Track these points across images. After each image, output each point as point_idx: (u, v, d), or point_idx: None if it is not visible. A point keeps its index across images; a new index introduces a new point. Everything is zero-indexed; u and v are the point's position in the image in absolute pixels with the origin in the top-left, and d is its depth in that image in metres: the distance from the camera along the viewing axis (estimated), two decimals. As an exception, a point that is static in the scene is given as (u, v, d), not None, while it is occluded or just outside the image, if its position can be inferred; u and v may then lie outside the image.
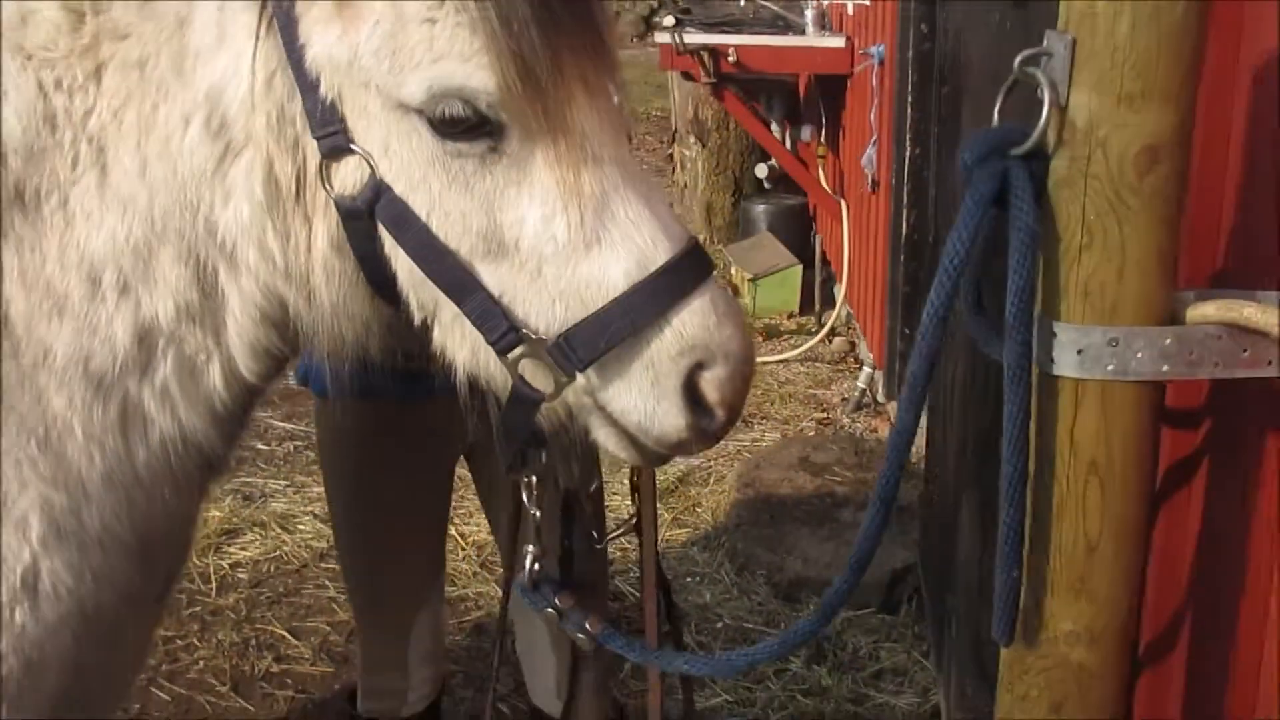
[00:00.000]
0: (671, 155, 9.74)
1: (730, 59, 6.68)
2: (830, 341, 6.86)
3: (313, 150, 1.50)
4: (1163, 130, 1.33)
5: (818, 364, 6.64)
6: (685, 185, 9.28)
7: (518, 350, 1.50)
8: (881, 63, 5.56)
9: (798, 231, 7.97)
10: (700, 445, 1.58)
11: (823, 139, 7.47)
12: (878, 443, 5.15)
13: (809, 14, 7.32)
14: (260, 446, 5.48)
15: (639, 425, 1.54)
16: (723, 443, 5.64)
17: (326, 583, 4.38)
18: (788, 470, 4.79)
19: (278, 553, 4.58)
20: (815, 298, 7.41)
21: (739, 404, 1.56)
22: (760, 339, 7.05)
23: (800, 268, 7.48)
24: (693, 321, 1.49)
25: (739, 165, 8.85)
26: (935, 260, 1.74)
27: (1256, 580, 1.54)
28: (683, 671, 1.93)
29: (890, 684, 3.71)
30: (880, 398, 5.79)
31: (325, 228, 1.53)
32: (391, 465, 2.49)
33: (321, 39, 1.47)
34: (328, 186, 1.50)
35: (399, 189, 1.49)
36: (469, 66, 1.43)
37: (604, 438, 1.61)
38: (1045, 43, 1.39)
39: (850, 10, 6.88)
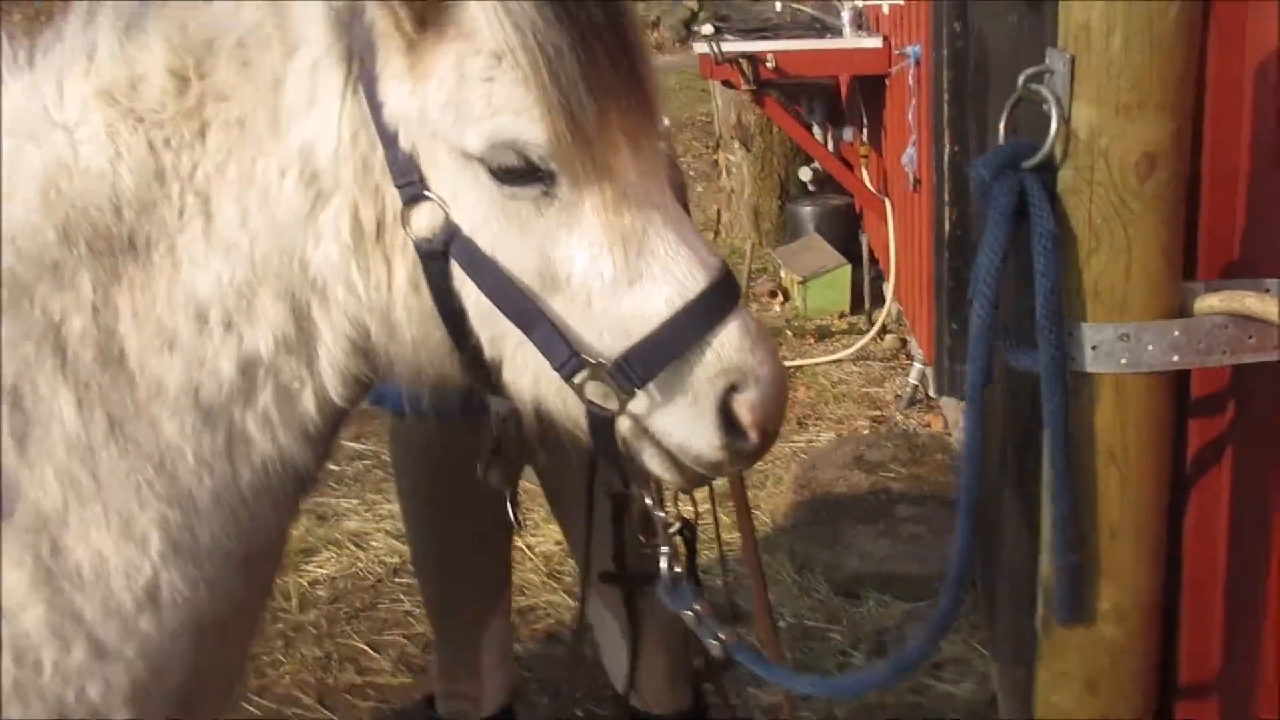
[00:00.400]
0: (716, 161, 9.84)
1: (769, 65, 6.77)
2: (882, 339, 6.93)
3: (392, 196, 1.64)
4: (1160, 137, 1.42)
5: (870, 362, 6.71)
6: (732, 190, 9.38)
7: (581, 374, 1.62)
8: (918, 62, 5.63)
9: (845, 231, 8.04)
10: (736, 466, 1.68)
11: (864, 139, 7.54)
12: (930, 438, 5.23)
13: (845, 15, 7.38)
14: (331, 467, 5.65)
15: (679, 446, 1.64)
16: (779, 445, 5.74)
17: (402, 597, 4.53)
18: (843, 469, 4.87)
19: (354, 569, 4.74)
20: (865, 296, 7.48)
21: (773, 427, 1.66)
22: (812, 340, 7.13)
23: (849, 267, 7.55)
24: (728, 345, 1.60)
25: (784, 168, 8.93)
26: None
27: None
28: (802, 691, 2.00)
29: (950, 674, 3.79)
30: (931, 393, 5.85)
31: (404, 266, 1.67)
32: (460, 479, 2.62)
33: (396, 95, 1.61)
34: (407, 229, 1.64)
35: (466, 230, 1.63)
36: (522, 120, 1.56)
37: (650, 460, 1.70)
38: (1047, 60, 1.49)
39: (886, 10, 6.94)
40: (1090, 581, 1.57)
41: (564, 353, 1.62)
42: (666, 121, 1.79)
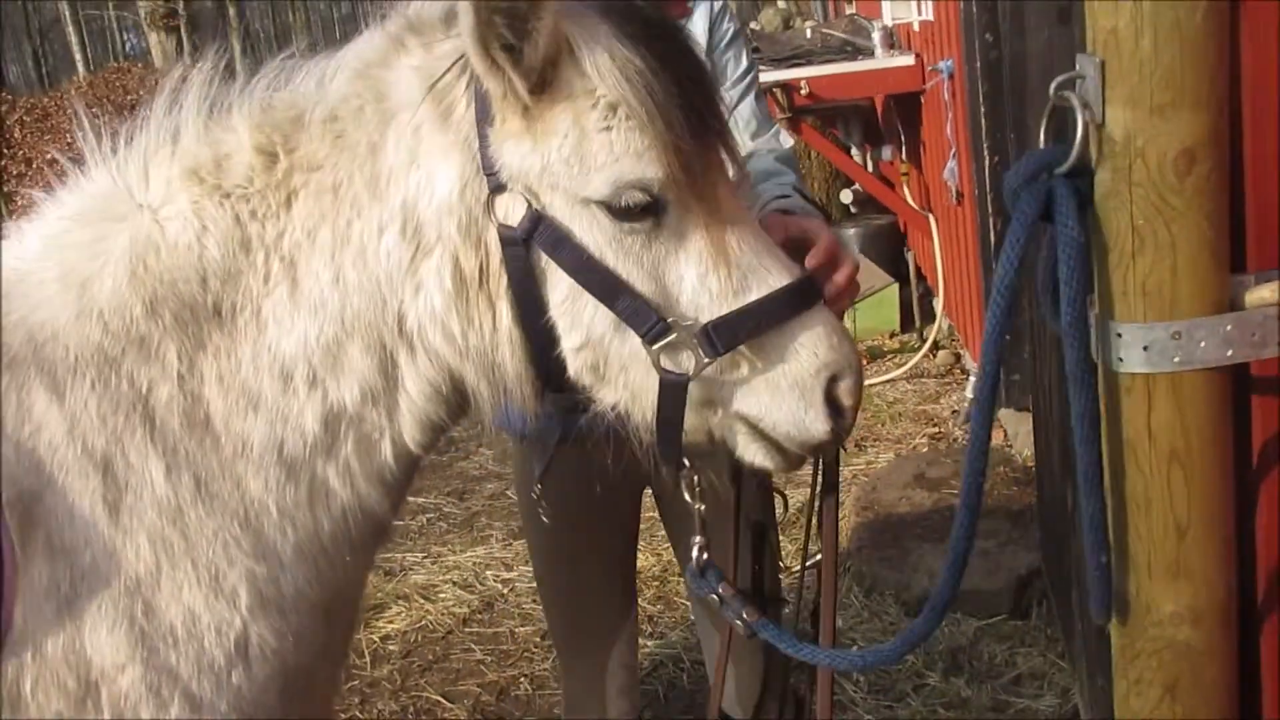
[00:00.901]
0: (757, 191, 9.86)
1: (803, 92, 6.81)
2: (934, 356, 6.88)
3: (495, 245, 1.75)
4: (1197, 133, 1.42)
5: (924, 379, 6.67)
6: (774, 218, 9.38)
7: (664, 340, 1.76)
8: (951, 76, 5.63)
9: (890, 250, 8.02)
10: (834, 445, 1.90)
11: (904, 156, 7.53)
12: (991, 451, 5.17)
13: (876, 35, 7.40)
14: (395, 522, 5.69)
15: (788, 434, 1.82)
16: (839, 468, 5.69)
17: (473, 646, 4.55)
18: (904, 489, 4.84)
19: (423, 622, 4.77)
20: (914, 314, 7.44)
21: (859, 405, 1.89)
22: (865, 361, 7.11)
23: (896, 286, 7.53)
24: (826, 343, 1.80)
25: (825, 193, 8.93)
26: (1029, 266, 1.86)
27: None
28: (820, 664, 2.14)
29: (1030, 689, 3.74)
30: (991, 406, 5.79)
31: (507, 307, 1.77)
32: (583, 502, 2.63)
33: (514, 152, 1.73)
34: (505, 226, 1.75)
35: (580, 269, 1.76)
36: (643, 162, 1.72)
37: (749, 449, 1.86)
38: (1077, 66, 1.49)
39: (916, 27, 6.95)
40: (1162, 584, 1.55)
41: (651, 318, 1.74)
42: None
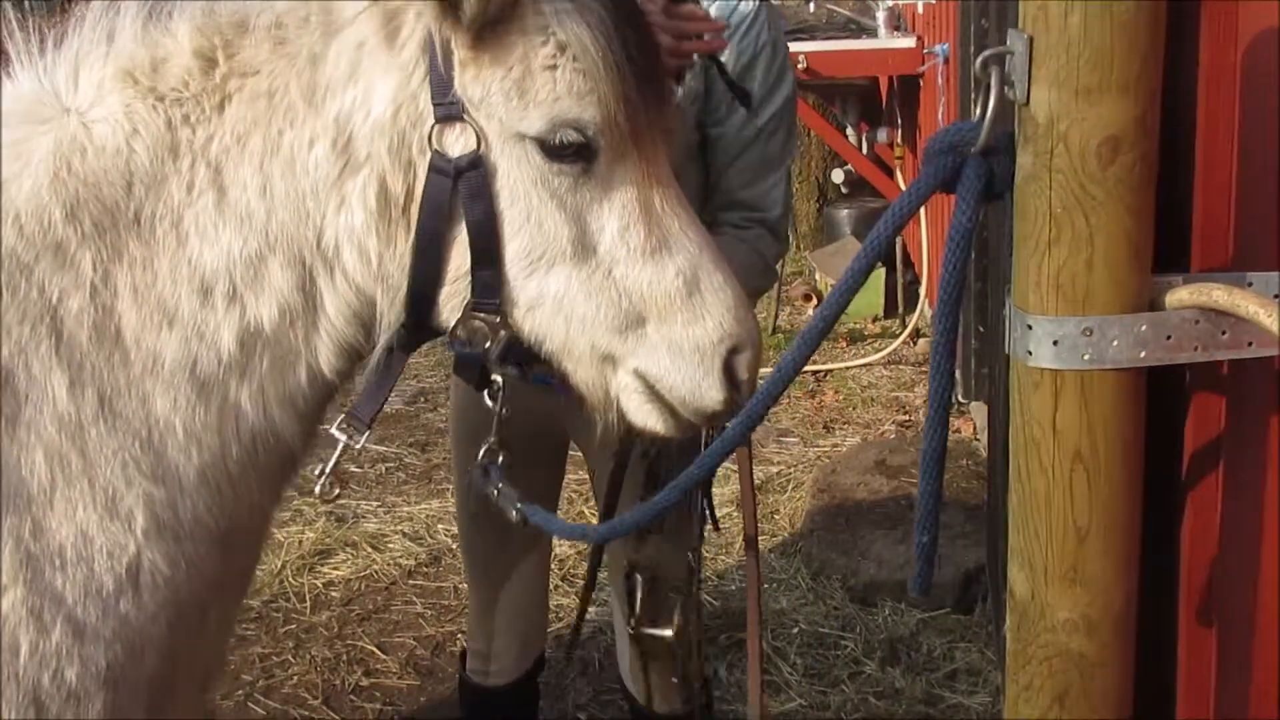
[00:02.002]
0: (754, 164, 9.77)
1: (801, 67, 6.69)
2: (914, 343, 6.83)
3: (423, 171, 1.74)
4: (1123, 121, 1.35)
5: (902, 366, 6.62)
6: (768, 194, 9.30)
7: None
8: (946, 60, 5.54)
9: (881, 234, 7.91)
10: (727, 418, 1.86)
11: (900, 140, 7.44)
12: (957, 443, 5.12)
13: (881, 16, 7.30)
14: (353, 469, 5.65)
15: (683, 399, 1.83)
16: (802, 449, 5.67)
17: (415, 599, 4.51)
18: (864, 474, 4.79)
19: (368, 571, 4.73)
20: (899, 300, 7.37)
21: (755, 381, 1.88)
22: (844, 344, 7.05)
23: (883, 271, 7.45)
24: (732, 315, 1.82)
25: (821, 172, 8.85)
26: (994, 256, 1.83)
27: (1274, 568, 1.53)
28: (575, 538, 2.16)
29: (964, 684, 3.70)
30: (960, 398, 5.74)
31: (415, 237, 1.76)
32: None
33: (459, 80, 1.73)
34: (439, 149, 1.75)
35: (503, 203, 1.77)
36: (583, 104, 1.73)
37: (642, 410, 1.87)
38: (1008, 41, 1.42)
39: (920, 9, 6.85)
40: (1057, 589, 1.50)
41: (494, 298, 1.78)
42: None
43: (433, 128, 1.73)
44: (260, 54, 1.75)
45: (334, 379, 1.85)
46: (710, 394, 1.83)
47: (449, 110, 1.74)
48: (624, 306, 1.79)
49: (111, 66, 1.75)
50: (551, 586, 4.43)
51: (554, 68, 1.73)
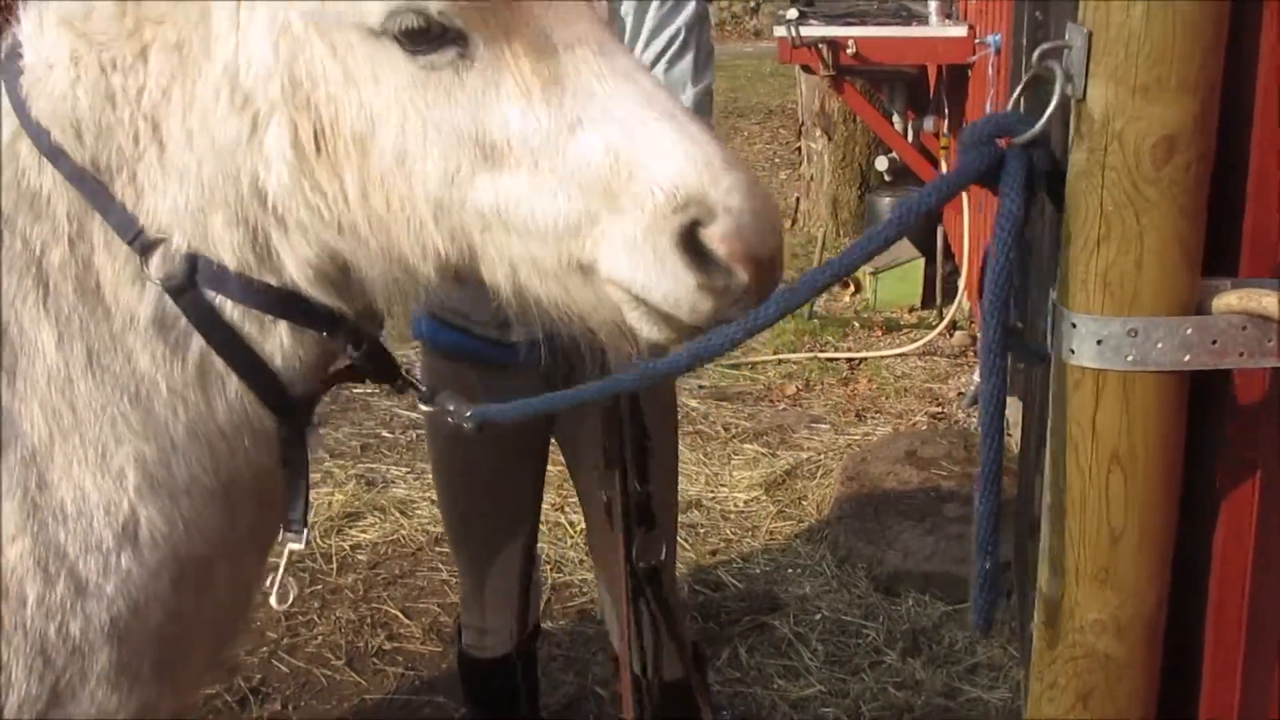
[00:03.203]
0: (799, 149, 9.72)
1: (849, 51, 6.64)
2: (950, 335, 6.78)
3: (324, 104, 1.58)
4: (1181, 119, 1.33)
5: (937, 358, 6.57)
6: (811, 178, 9.25)
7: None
8: (998, 51, 5.48)
9: (923, 224, 7.85)
10: (733, 307, 1.51)
11: (946, 129, 7.37)
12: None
13: (933, 3, 7.21)
14: (385, 434, 5.69)
15: (661, 299, 1.51)
16: (832, 435, 5.64)
17: (440, 565, 4.53)
18: (894, 464, 4.77)
19: (395, 536, 4.76)
20: (937, 291, 7.32)
21: (767, 253, 1.50)
22: (880, 333, 7.01)
23: (922, 261, 7.39)
24: (685, 175, 1.46)
25: (865, 158, 8.78)
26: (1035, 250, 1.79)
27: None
28: (536, 410, 1.96)
29: (985, 679, 3.69)
30: (995, 392, 5.70)
31: (352, 173, 1.60)
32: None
33: None
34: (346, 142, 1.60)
35: (394, 119, 1.56)
36: None
37: (638, 322, 1.58)
38: (1066, 35, 1.40)
39: (974, -1, 6.77)
40: (1088, 590, 1.49)
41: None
42: None
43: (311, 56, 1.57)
44: (162, 3, 1.65)
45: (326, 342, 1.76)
46: (679, 287, 1.48)
47: (300, 39, 1.56)
48: (568, 204, 1.50)
49: (55, 14, 1.71)
50: (577, 560, 4.48)
51: None
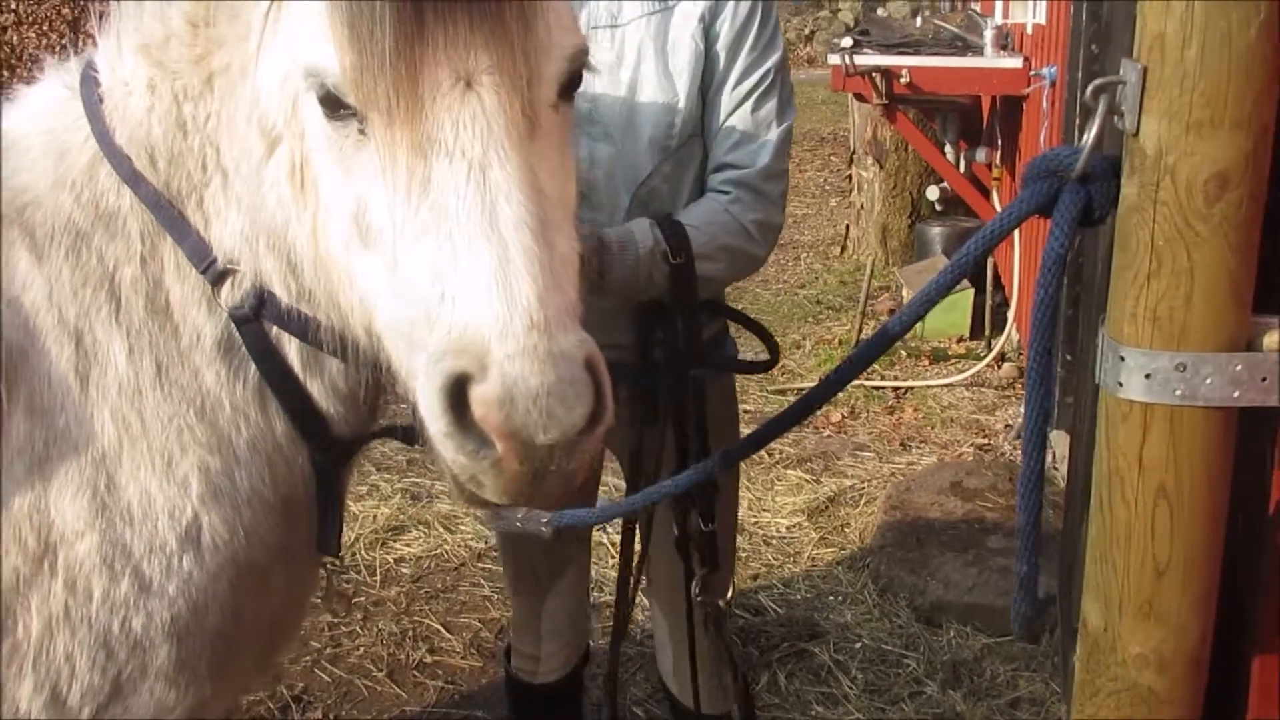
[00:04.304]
0: (850, 176, 9.72)
1: (903, 80, 6.65)
2: (999, 366, 6.74)
3: (303, 140, 1.57)
4: (1233, 156, 1.34)
5: (984, 389, 6.53)
6: (862, 207, 9.24)
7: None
8: (1053, 84, 5.46)
9: (973, 255, 7.82)
10: (503, 488, 1.38)
11: (999, 160, 7.34)
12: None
13: (988, 34, 7.20)
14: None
15: (432, 438, 1.40)
16: (877, 464, 5.61)
17: (482, 581, 4.56)
18: (938, 494, 4.75)
19: (439, 550, 4.80)
20: (986, 322, 7.28)
21: (542, 439, 1.32)
22: (927, 362, 6.98)
23: (971, 291, 7.36)
24: (477, 315, 1.34)
25: (916, 187, 8.76)
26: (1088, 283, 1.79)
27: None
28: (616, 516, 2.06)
29: (1025, 713, 3.66)
30: (1043, 425, 5.65)
31: (309, 216, 1.62)
32: None
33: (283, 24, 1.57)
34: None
35: (325, 172, 1.55)
36: (323, 45, 1.44)
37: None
38: (1121, 70, 1.42)
39: (1029, 29, 6.76)
40: (1131, 623, 1.49)
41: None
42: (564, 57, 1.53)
43: (300, 88, 1.54)
44: (224, 26, 1.67)
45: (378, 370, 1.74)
46: (438, 436, 1.37)
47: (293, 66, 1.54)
48: (407, 309, 1.44)
49: (133, 40, 1.75)
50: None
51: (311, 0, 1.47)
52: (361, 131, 1.46)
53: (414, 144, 1.41)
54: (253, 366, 1.77)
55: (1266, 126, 1.35)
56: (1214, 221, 1.35)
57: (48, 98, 1.85)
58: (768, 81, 2.37)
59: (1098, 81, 1.40)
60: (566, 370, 1.31)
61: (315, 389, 1.81)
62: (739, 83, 2.35)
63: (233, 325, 1.75)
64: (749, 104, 2.35)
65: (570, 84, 1.57)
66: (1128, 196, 1.40)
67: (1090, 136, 1.37)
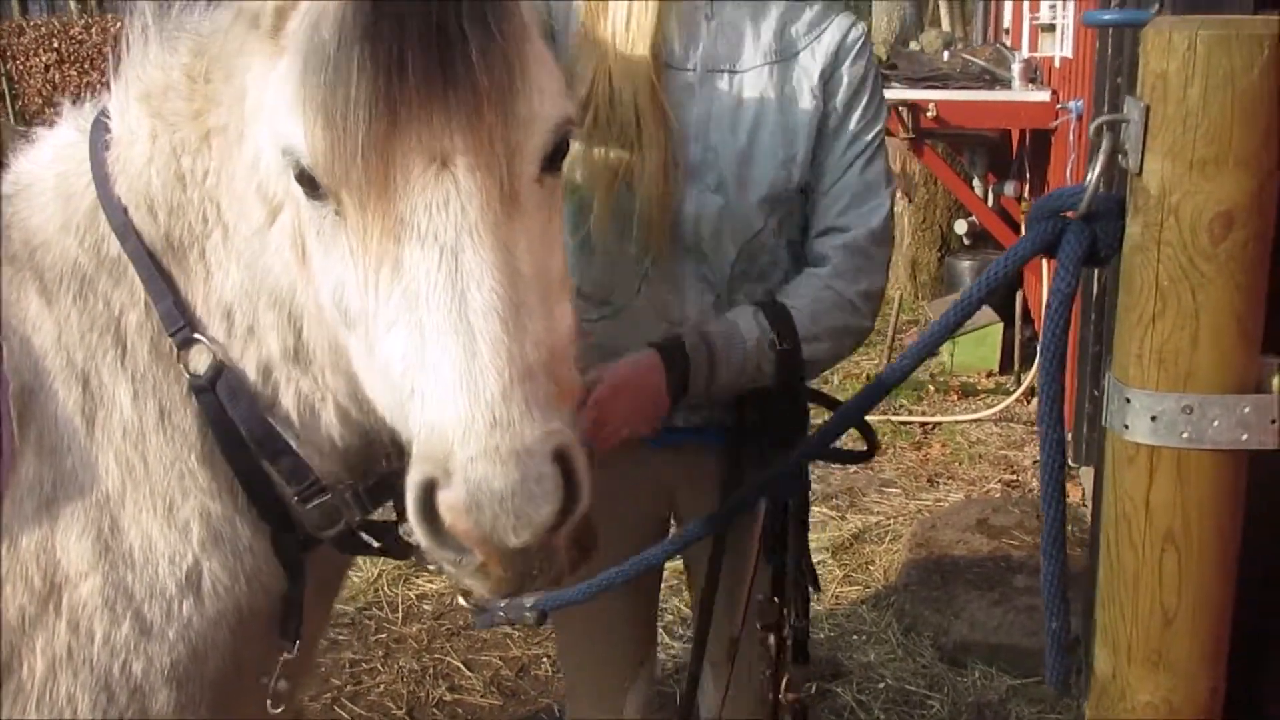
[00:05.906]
0: (878, 210, 9.69)
1: (929, 114, 6.65)
2: (1028, 402, 6.68)
3: (299, 210, 1.56)
4: (1237, 196, 1.31)
5: (1013, 424, 6.47)
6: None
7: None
8: (1080, 117, 5.44)
9: (1003, 289, 7.77)
10: (491, 591, 1.39)
11: (1027, 194, 7.31)
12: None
13: (1016, 68, 7.20)
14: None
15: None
16: (903, 500, 5.56)
17: (504, 619, 4.54)
18: (964, 531, 4.69)
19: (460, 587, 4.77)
20: (1015, 357, 7.23)
21: (512, 542, 1.29)
22: (955, 397, 6.93)
23: (1000, 325, 7.31)
24: (441, 415, 1.31)
25: (945, 221, 8.73)
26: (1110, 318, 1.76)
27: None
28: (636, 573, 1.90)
29: (1053, 755, 3.60)
30: (1071, 461, 5.59)
31: (311, 283, 1.61)
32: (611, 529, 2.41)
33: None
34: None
35: (313, 249, 1.55)
36: (297, 125, 1.41)
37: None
38: (1124, 109, 1.40)
39: (1057, 63, 6.74)
40: (1140, 671, 1.45)
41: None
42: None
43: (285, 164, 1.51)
44: (217, 85, 1.67)
45: (372, 426, 1.73)
46: (424, 547, 1.38)
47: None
48: (385, 395, 1.45)
49: (136, 89, 1.75)
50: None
51: (284, 78, 1.44)
52: (337, 212, 1.43)
53: (386, 228, 1.37)
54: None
55: (1271, 166, 1.32)
56: (1219, 261, 1.33)
57: (62, 140, 1.87)
58: (878, 143, 2.33)
59: (1100, 119, 1.39)
60: (532, 467, 1.28)
61: (280, 467, 1.77)
62: (852, 143, 2.29)
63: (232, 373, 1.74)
64: (859, 164, 2.29)
65: (556, 154, 1.51)
66: (1132, 236, 1.38)
67: (1094, 175, 1.35)
